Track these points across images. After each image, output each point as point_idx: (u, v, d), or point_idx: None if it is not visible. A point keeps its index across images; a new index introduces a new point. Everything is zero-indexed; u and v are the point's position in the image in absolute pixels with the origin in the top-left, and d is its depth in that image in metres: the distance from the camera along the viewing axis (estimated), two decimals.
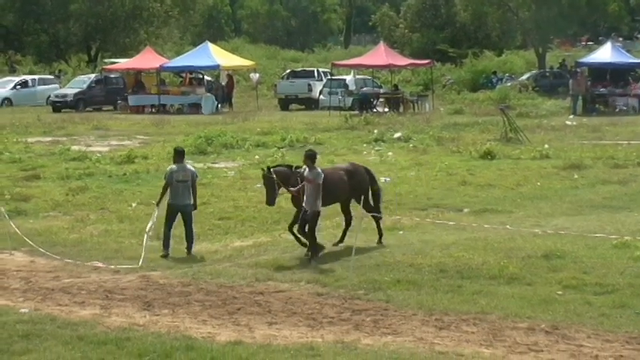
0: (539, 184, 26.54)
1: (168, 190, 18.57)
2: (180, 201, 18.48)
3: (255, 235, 20.26)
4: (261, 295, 15.58)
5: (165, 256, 18.12)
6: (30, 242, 18.93)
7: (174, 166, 18.74)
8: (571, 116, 47.70)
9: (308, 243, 17.87)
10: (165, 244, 18.35)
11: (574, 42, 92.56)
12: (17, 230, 19.41)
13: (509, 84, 61.66)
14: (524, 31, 77.88)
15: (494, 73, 67.08)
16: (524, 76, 65.00)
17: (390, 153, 33.44)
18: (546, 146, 33.68)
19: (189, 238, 18.56)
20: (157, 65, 57.23)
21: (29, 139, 38.58)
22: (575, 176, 27.60)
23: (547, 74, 66.48)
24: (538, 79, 63.92)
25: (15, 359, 12.15)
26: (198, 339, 13.08)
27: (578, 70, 54.81)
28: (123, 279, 16.29)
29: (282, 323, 14.02)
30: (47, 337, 13.02)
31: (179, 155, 18.91)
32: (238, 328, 13.79)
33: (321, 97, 56.86)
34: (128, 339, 12.96)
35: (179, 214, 18.52)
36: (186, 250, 18.45)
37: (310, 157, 17.91)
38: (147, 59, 58.93)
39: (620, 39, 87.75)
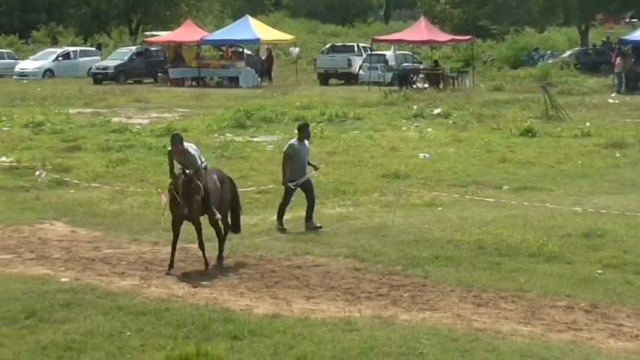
0: (580, 162, 26.38)
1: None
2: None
3: (293, 209, 20.25)
4: (299, 269, 15.62)
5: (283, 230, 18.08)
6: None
7: (295, 141, 18.59)
8: (614, 94, 47.28)
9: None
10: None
11: (617, 19, 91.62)
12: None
13: (550, 61, 61.26)
14: (566, 8, 77.16)
15: (536, 49, 66.63)
16: (566, 53, 64.52)
17: (429, 129, 33.33)
18: (588, 124, 33.45)
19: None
20: (198, 38, 57.31)
21: (70, 111, 38.80)
22: (617, 155, 27.42)
23: (589, 51, 65.96)
24: (580, 56, 63.43)
25: (56, 327, 12.25)
26: (236, 311, 13.12)
27: (623, 47, 54.22)
28: (162, 250, 16.36)
29: (319, 297, 14.05)
30: (87, 307, 13.12)
31: (301, 131, 18.60)
32: (276, 301, 13.83)
33: (361, 72, 56.71)
34: (167, 310, 13.04)
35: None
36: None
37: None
38: (187, 32, 59.00)
39: None
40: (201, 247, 15.60)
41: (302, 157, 18.40)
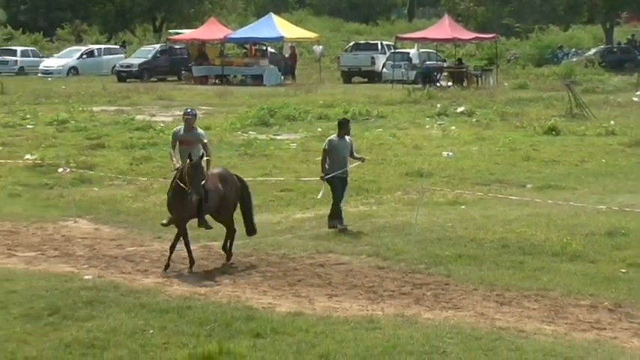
0: (604, 160, 26.28)
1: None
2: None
3: (316, 207, 20.24)
4: (322, 267, 15.61)
5: (344, 229, 17.83)
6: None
7: (334, 137, 18.44)
8: (638, 92, 47.03)
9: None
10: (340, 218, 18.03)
11: None
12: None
13: (575, 59, 61.02)
14: (591, 6, 76.76)
15: (560, 47, 66.38)
16: (591, 52, 64.26)
17: (452, 127, 33.28)
18: (612, 122, 33.30)
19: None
20: (221, 36, 57.42)
21: (94, 108, 38.95)
22: None
23: (614, 49, 65.67)
24: (605, 54, 63.18)
25: (79, 325, 12.28)
26: (258, 309, 13.13)
27: None
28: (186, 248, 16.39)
29: (342, 295, 14.04)
30: (110, 304, 13.16)
31: (341, 127, 18.42)
32: (298, 299, 13.83)
33: (384, 70, 56.65)
34: (189, 308, 13.05)
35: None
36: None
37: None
38: (211, 30, 59.09)
39: None
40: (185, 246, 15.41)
41: (341, 153, 18.18)
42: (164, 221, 16.11)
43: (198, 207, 15.30)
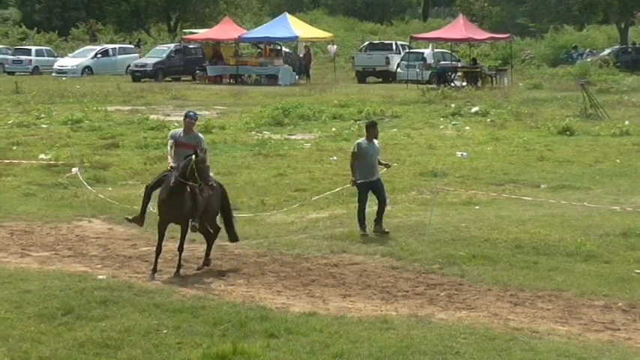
0: (618, 161, 26.24)
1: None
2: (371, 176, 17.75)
3: (330, 207, 20.27)
4: (336, 267, 15.62)
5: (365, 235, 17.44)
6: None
7: (363, 140, 17.99)
8: None
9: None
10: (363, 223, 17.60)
11: None
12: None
13: (589, 59, 60.86)
14: (606, 5, 76.55)
15: (575, 47, 66.22)
16: (606, 52, 64.09)
17: (467, 127, 33.26)
18: (627, 123, 33.22)
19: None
20: (236, 36, 57.42)
21: (109, 108, 39.02)
22: None
23: (629, 50, 65.50)
24: (620, 54, 63.01)
25: (93, 325, 12.30)
26: (272, 309, 13.14)
27: None
28: (199, 248, 16.39)
29: (356, 296, 14.05)
30: (124, 304, 13.17)
31: (369, 130, 17.97)
32: (312, 299, 13.84)
33: (399, 70, 56.63)
34: (203, 308, 13.07)
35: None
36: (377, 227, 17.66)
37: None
38: (226, 30, 59.10)
39: None
40: (180, 249, 15.17)
41: (370, 156, 17.63)
42: (129, 217, 16.16)
43: (192, 209, 14.93)
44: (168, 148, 15.66)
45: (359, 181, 17.62)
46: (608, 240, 16.93)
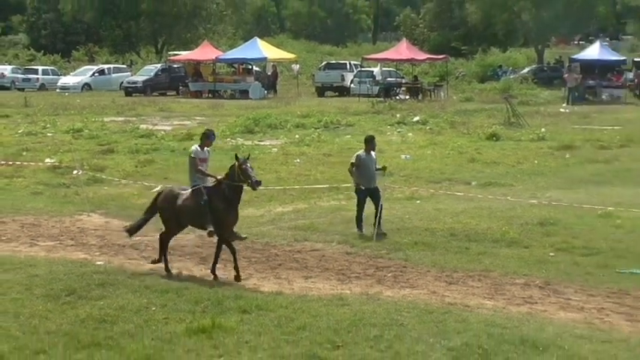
0: (536, 162, 26.40)
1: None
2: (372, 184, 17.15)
3: (294, 202, 20.28)
4: (299, 254, 15.63)
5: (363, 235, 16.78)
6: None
7: (362, 152, 17.20)
8: (565, 104, 47.31)
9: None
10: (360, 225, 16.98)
11: (568, 41, 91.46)
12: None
13: (512, 76, 61.09)
14: (525, 31, 76.99)
15: (500, 66, 66.45)
16: (525, 70, 64.37)
17: (409, 134, 33.32)
18: (543, 130, 33.42)
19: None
20: (213, 57, 57.15)
21: (105, 119, 38.71)
22: (567, 156, 27.44)
23: (545, 68, 65.81)
24: (537, 72, 63.29)
25: (92, 303, 12.25)
26: (245, 289, 13.13)
27: (572, 65, 54.28)
28: (184, 237, 16.33)
29: (316, 277, 14.06)
30: (119, 286, 13.13)
31: (368, 143, 17.22)
32: (279, 281, 13.84)
33: (352, 85, 56.59)
34: (186, 288, 13.03)
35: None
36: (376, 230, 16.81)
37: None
38: (205, 52, 58.88)
39: (607, 39, 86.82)
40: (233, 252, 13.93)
41: (369, 167, 17.05)
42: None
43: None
44: (197, 164, 14.01)
45: (362, 187, 17.03)
46: (527, 228, 17.05)
